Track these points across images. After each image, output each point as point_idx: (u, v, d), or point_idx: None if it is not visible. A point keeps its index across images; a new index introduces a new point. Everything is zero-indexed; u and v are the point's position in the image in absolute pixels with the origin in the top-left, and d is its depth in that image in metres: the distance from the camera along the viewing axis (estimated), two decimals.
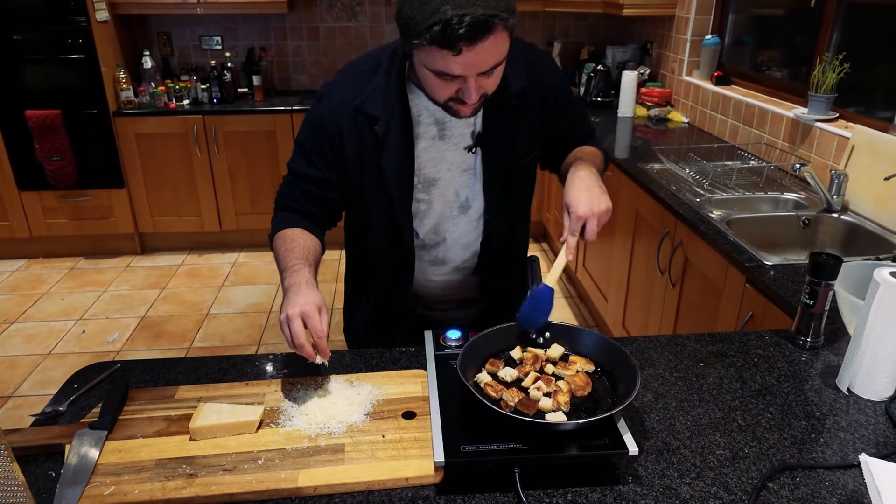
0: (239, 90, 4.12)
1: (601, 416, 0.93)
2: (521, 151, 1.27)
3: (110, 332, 3.26)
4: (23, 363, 2.99)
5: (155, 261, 4.09)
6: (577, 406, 1.02)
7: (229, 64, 4.06)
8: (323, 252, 1.29)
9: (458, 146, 1.24)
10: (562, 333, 1.17)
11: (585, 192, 1.12)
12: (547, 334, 1.17)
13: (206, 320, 3.37)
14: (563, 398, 1.00)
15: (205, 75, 4.07)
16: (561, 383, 1.04)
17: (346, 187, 1.27)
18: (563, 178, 1.32)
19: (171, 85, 3.93)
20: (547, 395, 1.02)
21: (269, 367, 1.23)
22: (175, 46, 4.27)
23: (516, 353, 1.14)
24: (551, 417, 0.97)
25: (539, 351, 1.13)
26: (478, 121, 1.23)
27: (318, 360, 1.07)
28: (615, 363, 1.08)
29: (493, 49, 1.00)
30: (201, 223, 4.10)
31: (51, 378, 2.88)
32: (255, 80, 4.07)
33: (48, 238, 4.04)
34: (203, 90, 3.99)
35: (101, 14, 3.68)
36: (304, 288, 1.08)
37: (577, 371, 1.08)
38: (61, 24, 3.59)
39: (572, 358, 1.12)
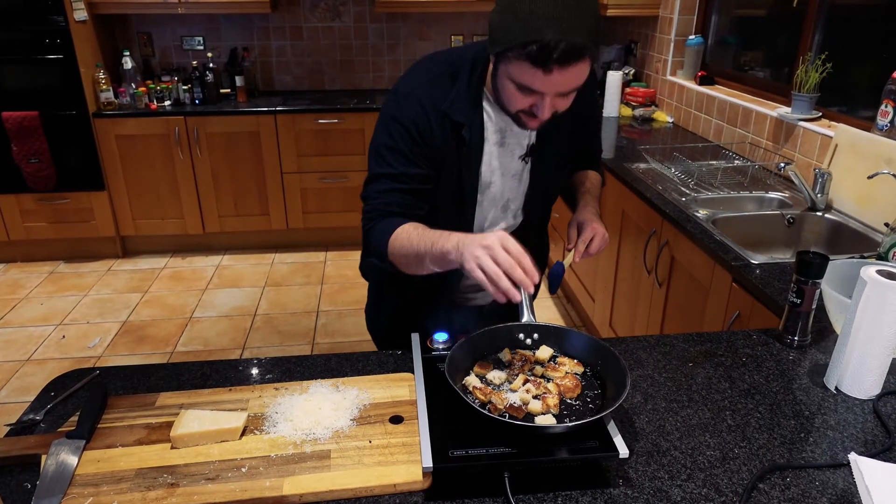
0: (221, 91, 4.06)
1: (590, 419, 0.92)
2: (561, 158, 1.36)
3: (91, 337, 3.20)
4: (0, 369, 2.93)
5: (137, 264, 4.03)
6: (566, 408, 1.00)
7: (211, 64, 4.01)
8: None
9: (514, 154, 1.30)
10: (550, 334, 1.16)
11: (596, 218, 1.34)
12: (535, 335, 1.16)
13: (190, 324, 3.33)
14: (553, 401, 0.99)
15: (186, 76, 4.02)
16: (550, 385, 1.03)
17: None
18: (566, 195, 1.51)
19: (152, 86, 3.87)
20: (536, 397, 1.00)
21: (253, 372, 1.21)
22: (156, 47, 4.21)
23: (505, 355, 1.12)
24: (540, 420, 0.96)
25: (528, 353, 1.12)
26: (533, 134, 1.30)
27: (521, 295, 1.02)
28: (605, 364, 1.07)
29: (578, 74, 1.06)
30: (184, 226, 4.05)
31: (29, 385, 2.82)
32: (238, 80, 4.02)
33: (26, 241, 3.96)
34: (185, 91, 3.94)
35: (80, 14, 3.62)
36: (477, 235, 1.06)
37: (567, 373, 1.07)
38: (38, 24, 3.52)
39: (561, 359, 1.11)
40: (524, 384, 1.03)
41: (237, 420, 1.00)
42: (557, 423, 0.96)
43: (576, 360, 1.11)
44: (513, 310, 1.20)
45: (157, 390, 1.13)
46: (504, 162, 1.29)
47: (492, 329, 1.14)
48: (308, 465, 0.94)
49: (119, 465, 0.94)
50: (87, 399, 1.07)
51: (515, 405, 0.98)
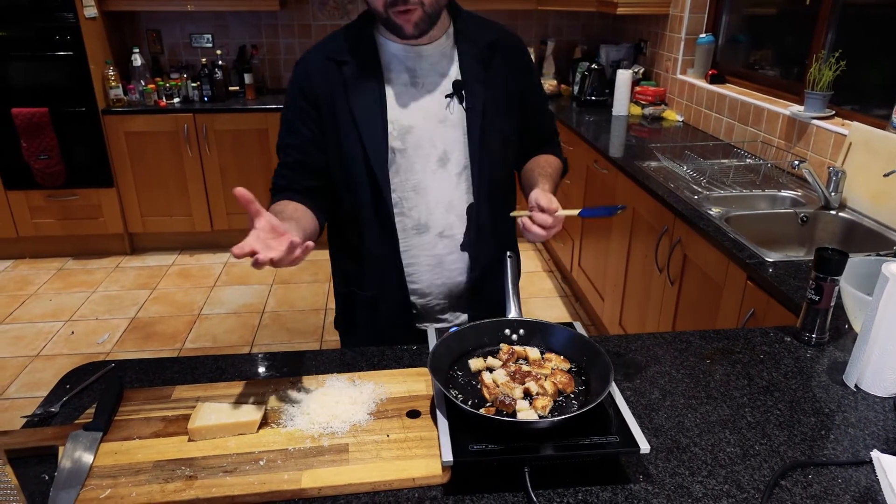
0: (230, 88, 4.07)
1: (587, 408, 0.91)
2: (498, 103, 1.29)
3: (100, 333, 3.21)
4: (10, 365, 2.94)
5: (145, 261, 4.04)
6: (564, 402, 0.99)
7: (220, 62, 4.01)
8: (321, 228, 1.28)
9: (434, 94, 1.26)
10: (537, 330, 1.14)
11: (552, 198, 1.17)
12: (522, 331, 1.15)
13: (198, 321, 3.33)
14: (543, 402, 0.97)
15: (195, 73, 4.03)
16: (546, 384, 1.01)
17: (328, 145, 1.26)
18: (523, 179, 1.40)
19: (161, 83, 3.88)
20: (537, 394, 0.99)
21: (268, 366, 1.21)
22: (165, 44, 4.22)
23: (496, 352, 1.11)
24: (524, 416, 0.94)
25: (518, 348, 1.11)
26: (454, 69, 1.27)
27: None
28: (589, 360, 1.06)
29: None
30: (192, 223, 4.05)
31: (39, 380, 2.83)
32: (247, 78, 4.03)
33: (35, 238, 3.97)
34: (193, 88, 3.95)
35: (90, 11, 3.63)
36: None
37: (553, 369, 1.05)
38: (48, 21, 3.54)
39: (548, 355, 1.10)
40: (524, 383, 1.02)
41: (254, 413, 1.00)
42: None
43: (562, 357, 1.09)
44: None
45: (173, 384, 1.13)
46: (424, 104, 1.25)
47: (478, 324, 1.13)
48: (326, 459, 0.93)
49: (137, 458, 0.94)
50: (103, 391, 1.07)
51: (507, 402, 0.96)
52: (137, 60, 3.92)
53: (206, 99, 3.95)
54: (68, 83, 3.65)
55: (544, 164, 1.38)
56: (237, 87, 4.09)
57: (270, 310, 3.45)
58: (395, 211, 1.29)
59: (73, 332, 3.21)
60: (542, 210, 1.12)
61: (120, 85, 3.78)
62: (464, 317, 1.43)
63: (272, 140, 3.86)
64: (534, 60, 1.40)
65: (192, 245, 4.18)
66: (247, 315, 3.39)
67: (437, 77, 1.26)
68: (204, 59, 4.02)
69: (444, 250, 1.34)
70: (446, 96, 1.26)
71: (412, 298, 1.38)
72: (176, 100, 3.91)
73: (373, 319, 1.41)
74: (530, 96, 1.37)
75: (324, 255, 4.42)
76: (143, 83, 3.89)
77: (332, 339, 3.19)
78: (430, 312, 1.41)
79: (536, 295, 3.62)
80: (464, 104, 1.27)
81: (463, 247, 1.34)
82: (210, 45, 4.22)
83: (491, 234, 1.35)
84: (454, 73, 1.27)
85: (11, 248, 4.01)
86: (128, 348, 3.08)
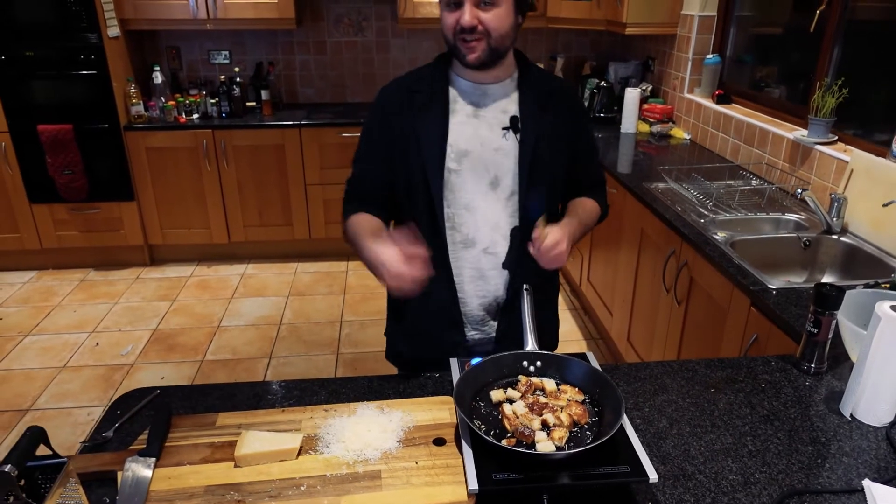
0: (247, 104, 4.18)
1: (601, 441, 0.99)
2: (550, 141, 1.42)
3: (123, 344, 3.31)
4: (39, 376, 3.04)
5: (164, 272, 4.14)
6: (580, 433, 1.07)
7: (237, 78, 4.12)
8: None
9: (492, 126, 1.41)
10: (553, 362, 1.23)
11: (565, 234, 1.34)
12: (538, 363, 1.23)
13: (218, 332, 3.43)
14: (560, 433, 1.05)
15: (213, 89, 4.14)
16: (562, 415, 1.09)
17: (394, 161, 1.41)
18: (563, 217, 1.54)
19: (181, 99, 3.99)
20: (554, 425, 1.07)
21: (302, 393, 1.30)
22: (184, 61, 4.33)
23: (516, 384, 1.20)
24: (543, 448, 1.03)
25: (535, 380, 1.19)
26: (513, 107, 1.42)
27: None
28: (602, 392, 1.14)
29: None
30: (210, 235, 4.16)
31: (67, 391, 2.93)
32: (264, 94, 4.13)
33: (58, 250, 4.09)
34: (212, 104, 4.05)
35: (113, 30, 3.75)
36: (376, 251, 1.25)
37: (569, 401, 1.14)
38: (73, 41, 3.65)
39: (563, 387, 1.18)
40: (541, 414, 1.10)
41: (294, 441, 1.09)
42: (569, 449, 1.03)
43: (576, 388, 1.18)
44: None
45: (214, 410, 1.22)
46: (482, 133, 1.40)
47: (498, 357, 1.22)
48: (361, 485, 1.02)
49: (189, 483, 1.03)
50: (153, 418, 1.16)
51: (526, 433, 1.05)
52: (158, 78, 4.03)
53: (224, 115, 4.05)
54: (91, 100, 3.76)
55: (579, 205, 1.52)
56: (254, 103, 4.20)
57: (287, 322, 3.54)
58: (447, 225, 1.43)
59: (97, 344, 3.32)
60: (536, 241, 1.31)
61: (141, 102, 3.89)
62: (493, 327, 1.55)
63: (289, 155, 3.98)
64: None
65: (210, 256, 4.29)
66: (265, 327, 3.49)
67: (497, 112, 1.41)
68: (222, 76, 4.13)
69: (487, 265, 1.46)
70: (503, 128, 1.41)
71: (451, 319, 1.50)
72: (195, 116, 4.02)
73: (420, 320, 1.53)
74: (579, 143, 1.50)
75: (339, 268, 4.50)
76: (164, 100, 4.00)
77: (348, 352, 3.29)
78: (471, 322, 1.52)
79: None
80: (518, 136, 1.41)
81: (504, 265, 1.47)
82: (227, 61, 4.33)
83: (531, 257, 1.45)
84: (513, 109, 1.42)
85: (35, 260, 4.13)
86: (151, 360, 3.18)
